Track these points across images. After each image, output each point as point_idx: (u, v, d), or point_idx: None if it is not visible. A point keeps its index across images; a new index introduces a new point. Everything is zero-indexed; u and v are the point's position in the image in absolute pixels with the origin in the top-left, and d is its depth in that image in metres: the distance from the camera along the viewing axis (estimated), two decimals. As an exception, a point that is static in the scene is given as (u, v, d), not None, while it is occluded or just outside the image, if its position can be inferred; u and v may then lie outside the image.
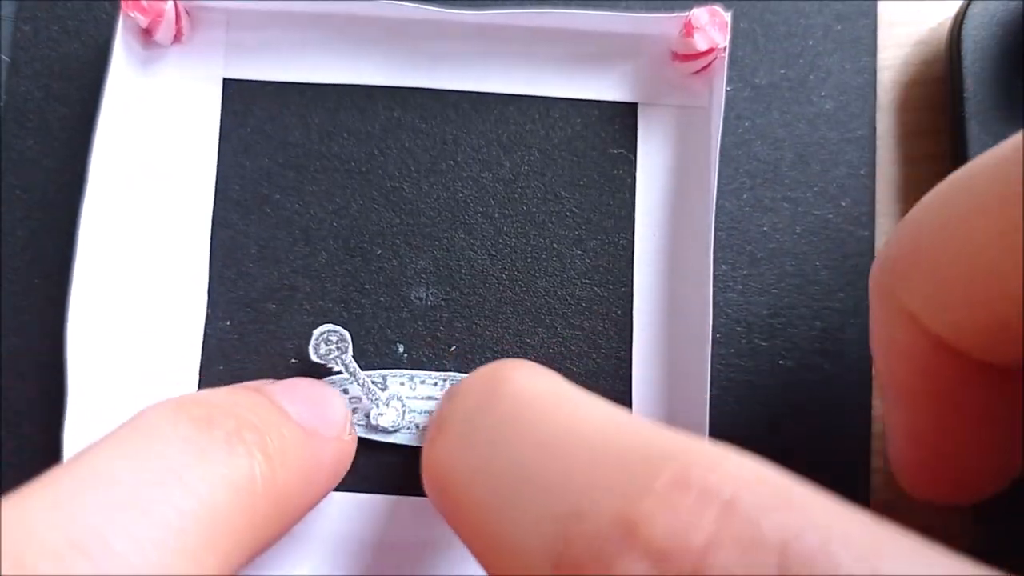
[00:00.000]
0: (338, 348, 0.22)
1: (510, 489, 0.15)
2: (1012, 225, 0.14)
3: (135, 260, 0.23)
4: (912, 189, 0.25)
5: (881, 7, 0.25)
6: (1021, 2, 0.23)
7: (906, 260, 0.16)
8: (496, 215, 0.24)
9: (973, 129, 0.23)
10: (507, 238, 0.24)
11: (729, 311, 0.24)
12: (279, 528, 0.18)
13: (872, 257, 0.24)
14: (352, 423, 0.22)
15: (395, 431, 0.23)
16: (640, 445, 0.14)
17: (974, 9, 0.23)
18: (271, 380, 0.21)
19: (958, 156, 0.24)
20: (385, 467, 0.23)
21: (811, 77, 0.24)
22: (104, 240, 0.23)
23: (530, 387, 0.17)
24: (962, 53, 0.23)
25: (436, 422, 0.19)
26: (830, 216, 0.24)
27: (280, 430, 0.18)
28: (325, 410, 0.21)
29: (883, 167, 0.25)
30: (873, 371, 0.23)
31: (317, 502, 0.20)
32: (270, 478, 0.17)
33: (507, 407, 0.17)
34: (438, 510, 0.18)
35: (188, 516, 0.15)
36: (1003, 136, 0.23)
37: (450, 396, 0.19)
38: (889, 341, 0.18)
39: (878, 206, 0.24)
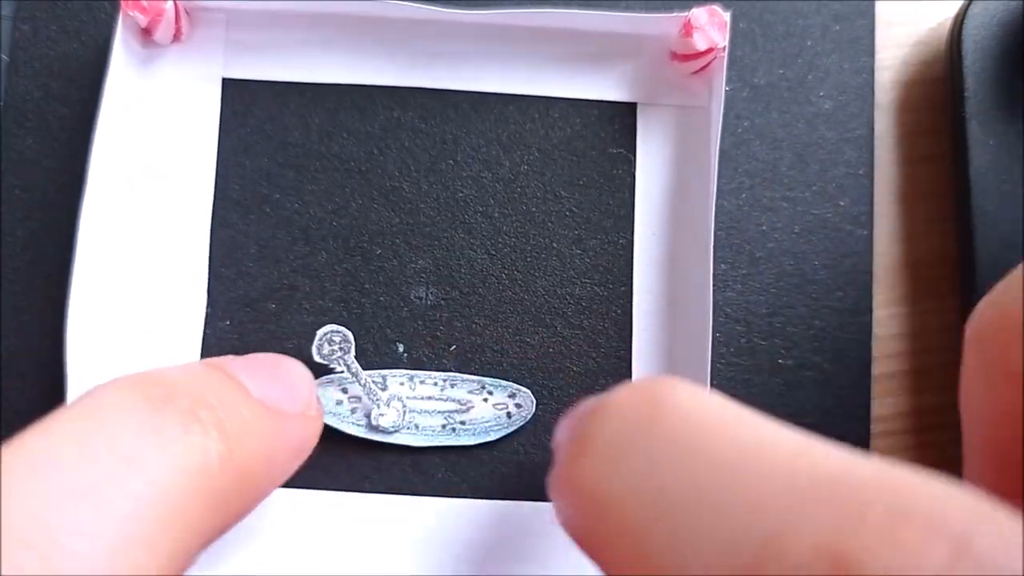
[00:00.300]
0: (341, 348, 0.22)
1: (686, 513, 0.13)
2: None
3: (135, 260, 0.23)
4: (911, 189, 0.25)
5: (880, 7, 0.25)
6: (1021, 2, 0.23)
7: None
8: (496, 214, 0.24)
9: (973, 129, 0.23)
10: (507, 237, 0.24)
11: (728, 310, 0.24)
12: (240, 508, 0.18)
13: (870, 256, 0.24)
14: (318, 398, 0.21)
15: (396, 431, 0.23)
16: (841, 472, 0.12)
17: (974, 9, 0.23)
18: (233, 356, 0.20)
19: (958, 157, 0.24)
20: (385, 467, 0.23)
21: (810, 77, 0.24)
22: (104, 240, 0.23)
23: (698, 404, 0.15)
24: (962, 53, 0.23)
25: (578, 439, 0.17)
26: (829, 215, 0.24)
27: (239, 407, 0.18)
28: (288, 385, 0.20)
29: (882, 167, 0.25)
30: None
31: (282, 480, 0.19)
32: (228, 457, 0.17)
33: (675, 424, 0.15)
34: (580, 534, 0.16)
35: (141, 501, 0.15)
36: (1003, 136, 0.23)
37: (594, 412, 0.17)
38: (989, 401, 0.16)
39: (877, 206, 0.24)
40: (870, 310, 0.24)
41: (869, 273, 0.24)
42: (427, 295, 0.24)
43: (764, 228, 0.24)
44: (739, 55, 0.24)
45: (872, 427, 0.24)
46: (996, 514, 0.11)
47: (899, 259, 0.25)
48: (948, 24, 0.25)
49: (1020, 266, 0.16)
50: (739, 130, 0.24)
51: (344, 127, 0.24)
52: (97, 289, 0.22)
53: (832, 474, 0.12)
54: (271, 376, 0.20)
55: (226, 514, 0.17)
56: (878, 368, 0.24)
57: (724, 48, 0.23)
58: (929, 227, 0.25)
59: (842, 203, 0.24)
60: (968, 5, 0.24)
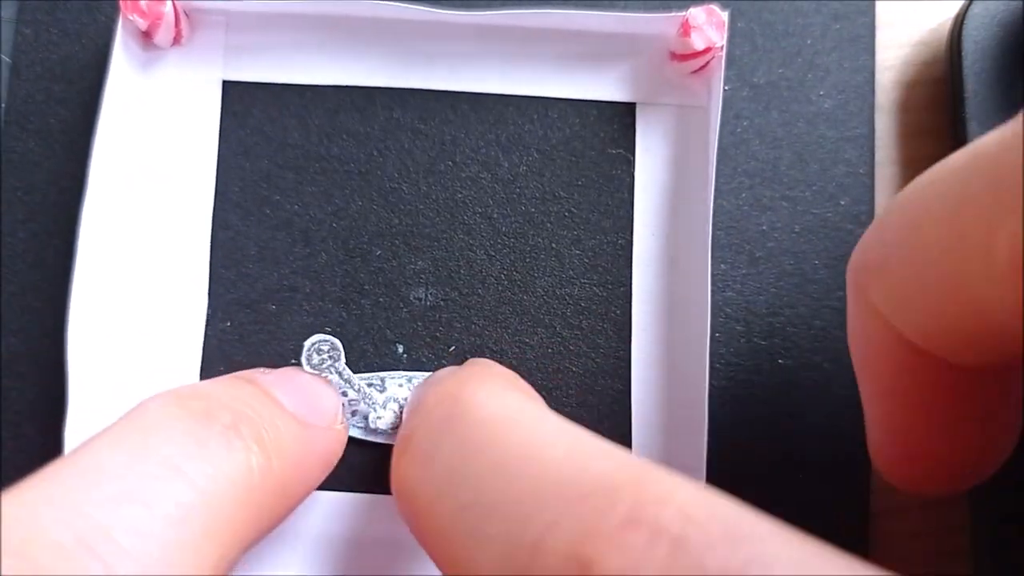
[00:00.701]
0: (330, 357, 0.22)
1: (471, 516, 0.15)
2: (965, 232, 0.14)
3: (136, 261, 0.23)
4: None
5: (881, 7, 0.25)
6: (1022, 2, 0.23)
7: (875, 260, 0.16)
8: (495, 215, 0.24)
9: (974, 130, 0.23)
10: (506, 238, 0.24)
11: (728, 310, 0.24)
12: (276, 517, 0.18)
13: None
14: (344, 412, 0.22)
15: (394, 432, 0.23)
16: (598, 474, 0.13)
17: (975, 9, 0.23)
18: (264, 369, 0.21)
19: None
20: (384, 468, 0.23)
21: (809, 76, 0.24)
22: (104, 241, 0.23)
23: (491, 408, 0.17)
24: (962, 54, 0.23)
25: (402, 438, 0.19)
26: (829, 215, 0.24)
27: (275, 422, 0.19)
28: (317, 400, 0.21)
29: (883, 168, 0.25)
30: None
31: (311, 490, 0.20)
32: (267, 469, 0.17)
33: (466, 430, 0.17)
34: (409, 529, 0.18)
35: (189, 508, 0.16)
36: None
37: (414, 411, 0.19)
38: (862, 337, 0.18)
39: (878, 206, 0.24)
40: (871, 310, 0.24)
41: (870, 273, 0.24)
42: (426, 296, 0.24)
43: (764, 228, 0.24)
44: (738, 54, 0.24)
45: None
46: (719, 510, 0.12)
47: None
48: (948, 24, 0.24)
49: (887, 203, 0.16)
50: (739, 129, 0.24)
51: (344, 129, 0.24)
52: (98, 290, 0.22)
53: (594, 477, 0.13)
54: (302, 392, 0.21)
55: (264, 521, 0.18)
56: None
57: (722, 47, 0.23)
58: None
59: (843, 202, 0.24)
60: (968, 5, 0.23)
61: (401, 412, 0.23)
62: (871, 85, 0.24)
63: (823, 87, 0.24)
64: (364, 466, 0.23)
